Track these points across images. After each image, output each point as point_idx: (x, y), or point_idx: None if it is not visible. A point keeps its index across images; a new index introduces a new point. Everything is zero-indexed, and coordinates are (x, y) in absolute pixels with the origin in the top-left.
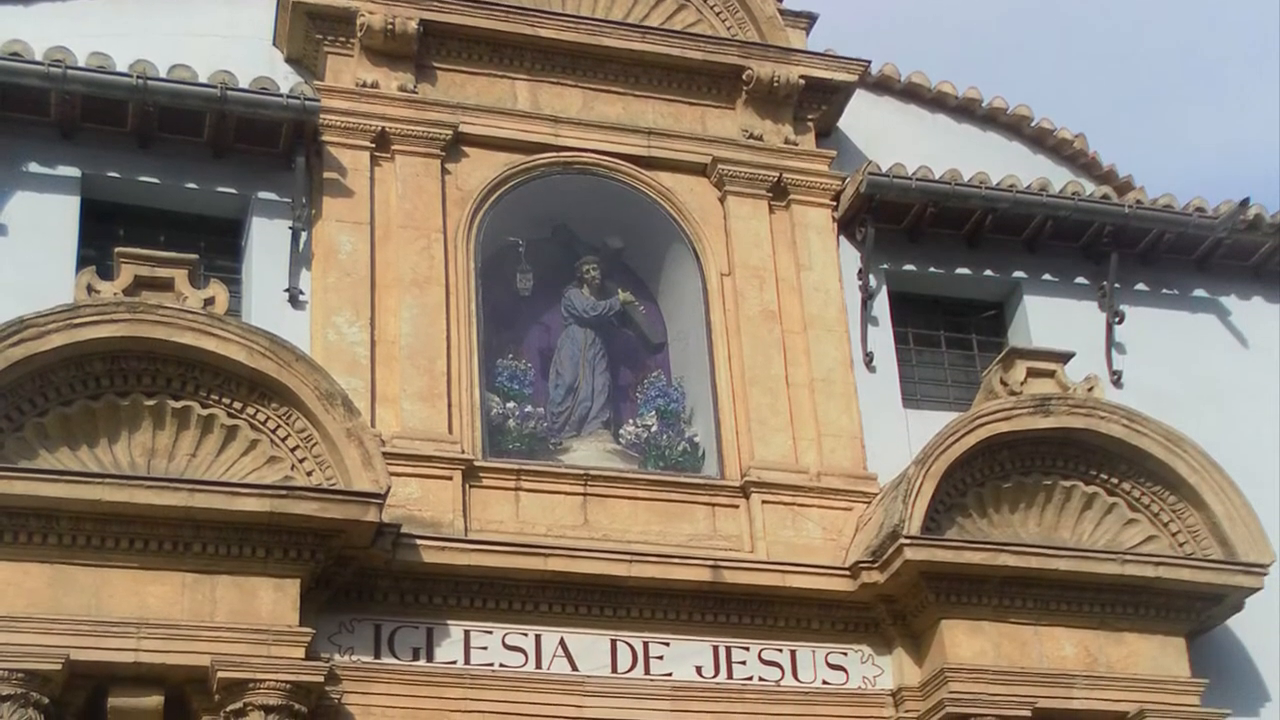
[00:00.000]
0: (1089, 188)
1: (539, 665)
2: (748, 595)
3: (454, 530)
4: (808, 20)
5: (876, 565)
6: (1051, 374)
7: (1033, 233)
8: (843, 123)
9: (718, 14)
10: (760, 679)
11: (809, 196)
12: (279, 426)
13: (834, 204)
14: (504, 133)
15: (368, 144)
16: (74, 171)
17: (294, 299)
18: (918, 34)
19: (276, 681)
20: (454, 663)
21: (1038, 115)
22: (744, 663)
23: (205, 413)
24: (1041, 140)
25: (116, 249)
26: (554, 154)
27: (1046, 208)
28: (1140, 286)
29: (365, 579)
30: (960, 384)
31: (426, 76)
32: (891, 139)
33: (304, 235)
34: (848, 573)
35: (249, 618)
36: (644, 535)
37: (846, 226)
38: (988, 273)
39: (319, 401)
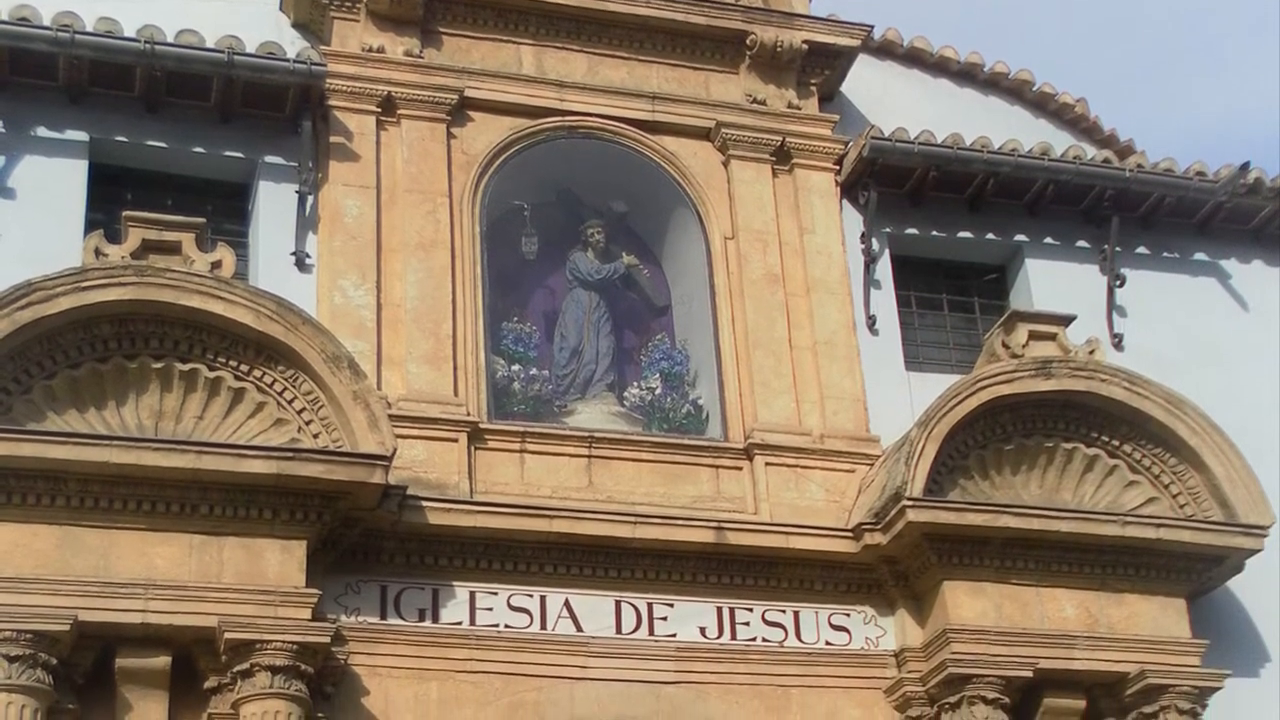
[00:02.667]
0: (1090, 152)
1: (544, 626)
2: (751, 557)
3: (459, 492)
4: None
5: (879, 527)
6: (1053, 337)
7: (1034, 196)
8: (845, 87)
9: None
10: (764, 640)
11: (812, 160)
12: (286, 389)
13: (837, 168)
14: (509, 97)
15: (374, 108)
16: (82, 136)
17: (300, 262)
18: None
19: (283, 642)
20: (459, 624)
21: (1039, 80)
22: (747, 624)
23: (212, 375)
24: (1043, 105)
25: (124, 213)
26: (559, 118)
27: (1048, 172)
28: (1141, 250)
29: (371, 540)
30: (962, 347)
31: (432, 41)
32: (894, 103)
33: (310, 199)
34: (850, 534)
35: (256, 579)
36: (648, 497)
37: (849, 190)
38: (989, 236)
39: (325, 364)
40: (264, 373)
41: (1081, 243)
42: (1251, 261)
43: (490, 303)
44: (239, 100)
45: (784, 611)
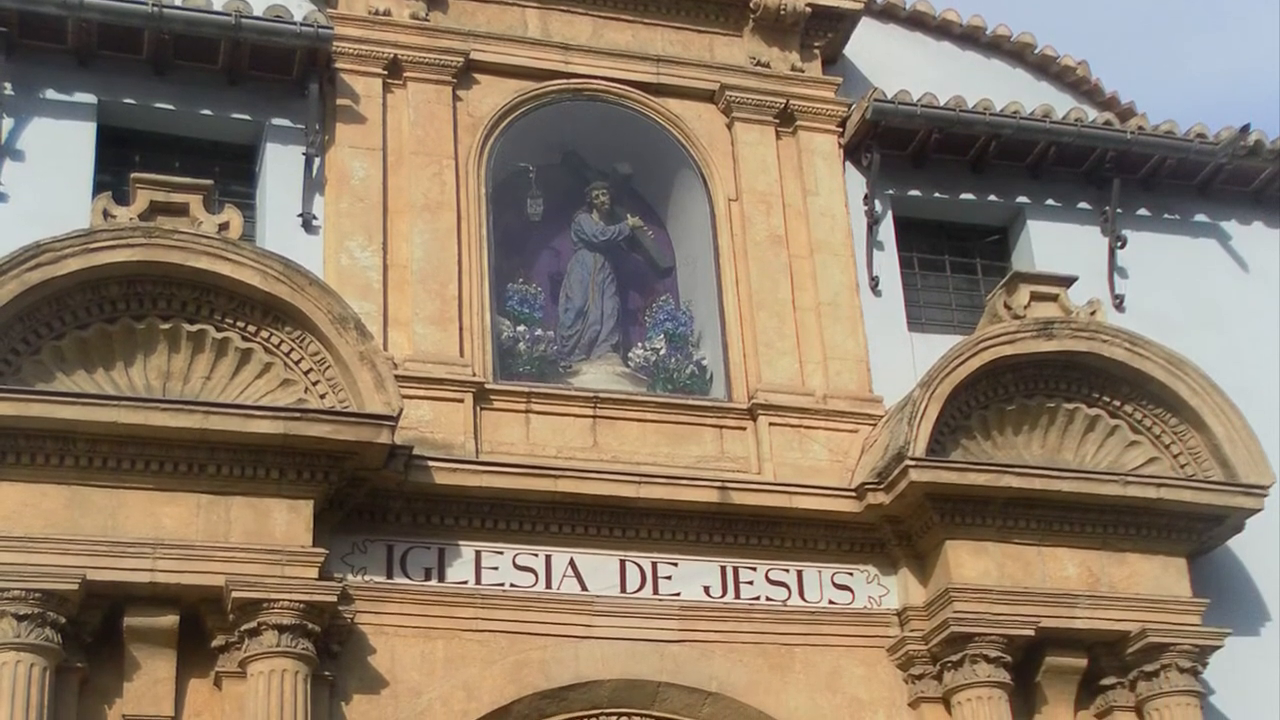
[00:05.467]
0: (1092, 114)
1: (549, 585)
2: (755, 516)
3: (465, 452)
4: None
5: (882, 486)
6: (1054, 298)
7: (1036, 158)
8: (848, 50)
9: None
10: (767, 599)
11: (815, 123)
12: (292, 350)
13: (840, 130)
14: (515, 60)
15: (380, 71)
16: (90, 98)
17: (307, 224)
18: None
19: (290, 601)
20: (465, 583)
21: (1040, 43)
22: (751, 583)
23: (220, 336)
24: (1044, 67)
25: (132, 175)
26: (564, 81)
27: (1050, 134)
28: (1142, 211)
29: (378, 500)
30: (964, 308)
31: (438, 4)
32: (896, 66)
33: (317, 161)
34: (854, 494)
35: (263, 538)
36: (652, 457)
37: (852, 152)
38: (992, 198)
39: (332, 325)
40: (271, 333)
41: (1083, 204)
42: (1252, 223)
43: (495, 264)
44: (246, 63)
45: (787, 571)
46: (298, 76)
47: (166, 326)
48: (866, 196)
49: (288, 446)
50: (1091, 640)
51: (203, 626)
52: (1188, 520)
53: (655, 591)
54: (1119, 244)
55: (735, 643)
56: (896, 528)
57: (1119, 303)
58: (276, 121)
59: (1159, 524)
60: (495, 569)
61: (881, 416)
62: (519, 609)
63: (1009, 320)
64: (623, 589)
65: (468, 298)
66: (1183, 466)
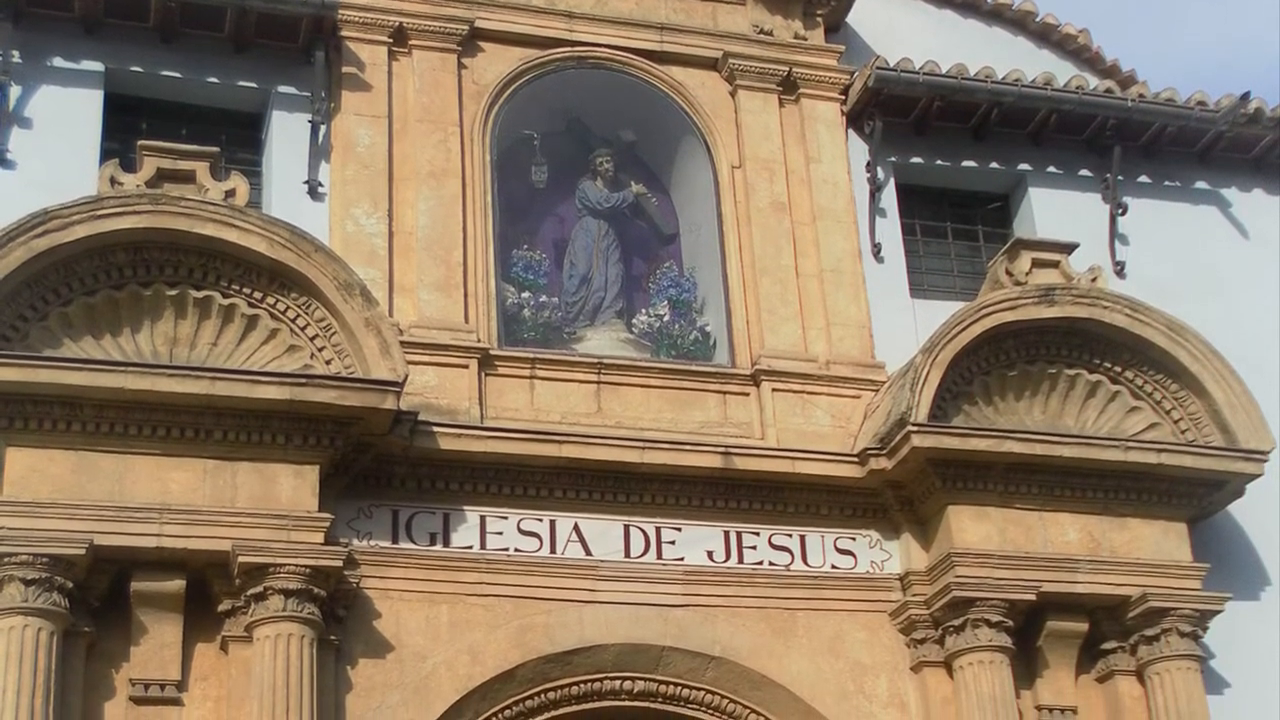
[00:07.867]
0: (1093, 82)
1: (553, 550)
2: (758, 481)
3: (470, 418)
4: None
5: (884, 452)
6: (1056, 264)
7: (1038, 126)
8: (851, 18)
9: None
10: (770, 563)
11: (818, 90)
12: (298, 316)
13: (843, 98)
14: (519, 28)
15: (386, 39)
16: (98, 66)
17: (313, 191)
18: None
19: (296, 566)
20: (470, 548)
21: (1042, 11)
22: (754, 547)
23: (226, 302)
24: (1046, 35)
25: (139, 142)
26: (568, 49)
27: (1051, 101)
28: (1143, 179)
29: (383, 465)
30: (966, 274)
31: None
32: (899, 34)
33: (323, 128)
34: (856, 459)
35: (269, 503)
36: (656, 423)
37: (855, 120)
38: (993, 165)
39: (338, 291)
40: (277, 300)
41: (1084, 171)
42: (1252, 190)
43: (500, 230)
44: (253, 31)
45: (790, 535)
46: (304, 44)
47: (173, 293)
48: (869, 164)
49: (294, 412)
50: (1092, 605)
51: (209, 591)
52: (1188, 485)
53: (659, 556)
54: (1120, 211)
55: (738, 607)
56: (899, 493)
57: (1120, 269)
58: (282, 89)
59: (1160, 489)
60: (500, 534)
61: (884, 382)
62: (523, 574)
63: (1010, 287)
64: (627, 554)
65: (473, 264)
66: (1183, 432)
